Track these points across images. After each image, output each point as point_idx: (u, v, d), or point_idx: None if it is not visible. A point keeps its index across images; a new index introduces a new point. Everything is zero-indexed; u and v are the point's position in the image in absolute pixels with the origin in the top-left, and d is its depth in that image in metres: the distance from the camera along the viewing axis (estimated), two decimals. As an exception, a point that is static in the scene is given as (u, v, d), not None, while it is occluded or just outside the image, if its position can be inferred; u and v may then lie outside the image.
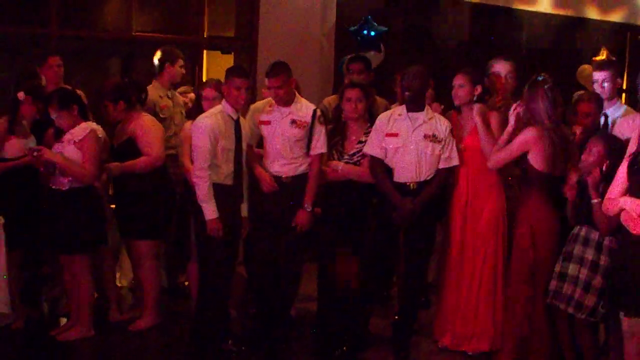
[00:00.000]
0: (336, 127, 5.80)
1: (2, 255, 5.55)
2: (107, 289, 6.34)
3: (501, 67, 5.88)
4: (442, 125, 5.55)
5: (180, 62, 6.88)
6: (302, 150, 5.58)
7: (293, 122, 5.54)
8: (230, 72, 5.49)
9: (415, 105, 5.56)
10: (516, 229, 5.36)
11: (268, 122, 5.63)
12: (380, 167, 5.55)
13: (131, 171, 5.86)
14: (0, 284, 5.55)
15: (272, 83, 5.49)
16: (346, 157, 5.68)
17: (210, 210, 5.26)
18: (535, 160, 5.17)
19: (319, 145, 5.57)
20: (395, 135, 5.53)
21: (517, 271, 5.30)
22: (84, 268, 5.72)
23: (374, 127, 5.64)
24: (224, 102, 5.46)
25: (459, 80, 5.66)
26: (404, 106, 5.64)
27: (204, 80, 7.86)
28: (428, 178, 5.52)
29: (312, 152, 5.57)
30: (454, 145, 5.58)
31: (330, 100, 6.49)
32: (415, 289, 5.74)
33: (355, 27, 9.15)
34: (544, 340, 5.25)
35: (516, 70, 5.88)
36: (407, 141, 5.51)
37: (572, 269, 4.96)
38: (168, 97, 6.82)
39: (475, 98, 5.66)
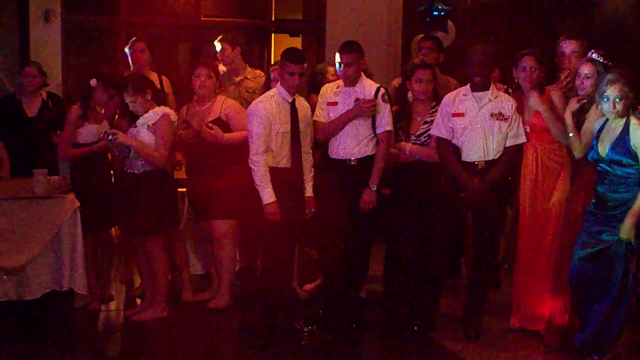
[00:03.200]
0: (402, 108, 5.78)
1: (79, 238, 5.69)
2: (179, 270, 6.47)
3: (567, 46, 5.72)
4: (507, 103, 5.50)
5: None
6: (368, 130, 5.56)
7: (357, 100, 5.52)
8: (283, 56, 5.46)
9: (480, 84, 5.51)
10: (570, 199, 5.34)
11: (335, 103, 5.64)
12: (448, 148, 5.52)
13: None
14: (78, 266, 5.70)
15: (344, 59, 5.50)
16: (413, 138, 5.67)
17: (267, 195, 5.27)
18: None
19: (384, 122, 5.54)
20: (461, 115, 5.49)
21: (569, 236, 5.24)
22: (159, 249, 5.82)
23: (439, 108, 5.61)
24: (278, 85, 5.47)
25: (530, 63, 5.52)
26: (468, 86, 5.58)
27: (272, 63, 7.86)
28: (496, 156, 5.46)
29: (378, 130, 5.55)
30: (521, 122, 5.51)
31: (398, 82, 6.44)
32: (484, 269, 5.65)
33: (423, 7, 9.08)
34: None
35: (583, 49, 5.66)
36: (473, 120, 5.47)
37: None
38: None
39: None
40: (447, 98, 5.61)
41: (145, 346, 5.59)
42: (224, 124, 5.92)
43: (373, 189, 5.52)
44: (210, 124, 5.85)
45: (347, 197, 5.57)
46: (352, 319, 5.70)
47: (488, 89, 5.52)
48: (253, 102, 5.52)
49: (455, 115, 5.51)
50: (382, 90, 5.59)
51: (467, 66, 5.57)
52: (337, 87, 5.71)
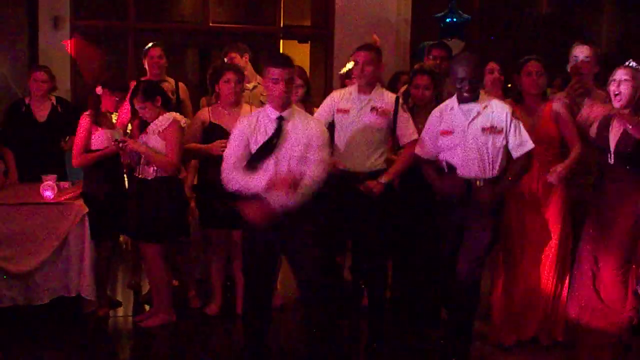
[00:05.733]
0: None
1: (87, 244, 5.69)
2: (186, 277, 6.47)
3: (579, 51, 5.67)
4: (500, 113, 5.00)
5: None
6: (381, 142, 5.30)
7: (373, 109, 5.26)
8: (265, 62, 4.83)
9: (467, 95, 5.01)
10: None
11: (346, 111, 5.29)
12: (432, 172, 5.20)
13: None
14: (85, 271, 5.70)
15: (363, 57, 5.23)
16: None
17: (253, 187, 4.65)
18: None
19: (409, 132, 5.30)
20: (450, 132, 5.05)
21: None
22: (156, 256, 5.79)
23: (426, 124, 5.23)
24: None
25: (535, 67, 5.43)
26: (454, 98, 5.10)
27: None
28: (497, 172, 5.02)
29: (404, 140, 5.31)
30: (522, 127, 5.03)
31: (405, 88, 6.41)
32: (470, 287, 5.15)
33: (441, 13, 9.08)
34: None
35: (596, 55, 5.63)
36: (464, 138, 5.01)
37: None
38: None
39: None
40: (434, 115, 5.19)
41: (152, 352, 5.60)
42: None
43: (381, 182, 5.21)
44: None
45: (354, 214, 5.29)
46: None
47: (477, 99, 5.05)
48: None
49: (443, 133, 5.09)
50: (401, 100, 5.39)
51: (453, 81, 5.13)
52: (350, 94, 5.37)
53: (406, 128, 5.32)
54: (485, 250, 5.12)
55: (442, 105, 5.21)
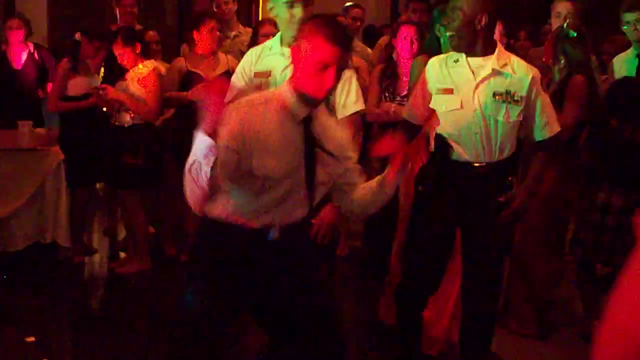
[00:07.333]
0: (386, 67, 5.29)
1: (63, 190, 5.71)
2: (162, 224, 6.51)
3: (562, 7, 5.44)
4: (522, 76, 3.72)
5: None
6: None
7: None
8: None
9: (477, 46, 3.74)
10: None
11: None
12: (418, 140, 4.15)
13: None
14: (61, 219, 5.72)
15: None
16: (398, 98, 5.15)
17: None
18: None
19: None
20: (450, 91, 3.78)
21: None
22: (136, 203, 5.83)
23: (420, 80, 4.02)
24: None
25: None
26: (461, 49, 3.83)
27: (260, 19, 7.81)
28: (505, 156, 3.78)
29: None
30: (548, 101, 3.84)
31: (385, 40, 6.38)
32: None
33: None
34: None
35: (578, 11, 5.35)
36: (467, 101, 3.73)
37: None
38: None
39: None
40: (431, 65, 3.89)
41: (127, 298, 5.62)
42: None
43: None
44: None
45: None
46: None
47: (492, 53, 3.75)
48: None
49: (442, 91, 3.81)
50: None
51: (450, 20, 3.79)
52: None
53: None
54: (500, 281, 4.05)
55: (442, 56, 3.96)
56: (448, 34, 3.81)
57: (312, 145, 2.83)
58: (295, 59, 2.77)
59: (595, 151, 4.66)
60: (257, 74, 3.90)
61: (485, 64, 3.72)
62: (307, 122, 2.82)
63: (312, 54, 2.70)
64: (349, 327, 4.78)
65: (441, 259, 3.95)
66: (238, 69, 4.07)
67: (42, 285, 5.64)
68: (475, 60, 3.74)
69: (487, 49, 3.73)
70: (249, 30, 6.73)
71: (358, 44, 6.52)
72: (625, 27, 5.15)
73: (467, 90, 3.72)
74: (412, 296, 4.04)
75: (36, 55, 6.71)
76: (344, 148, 2.97)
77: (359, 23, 6.73)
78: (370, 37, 6.60)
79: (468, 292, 3.92)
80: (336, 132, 2.97)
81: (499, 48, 3.78)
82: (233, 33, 6.61)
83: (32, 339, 4.67)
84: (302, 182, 2.86)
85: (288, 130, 2.78)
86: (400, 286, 4.14)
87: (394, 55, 5.30)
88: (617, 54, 5.45)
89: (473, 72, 3.73)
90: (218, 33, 5.87)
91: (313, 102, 2.78)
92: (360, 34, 6.74)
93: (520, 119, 3.73)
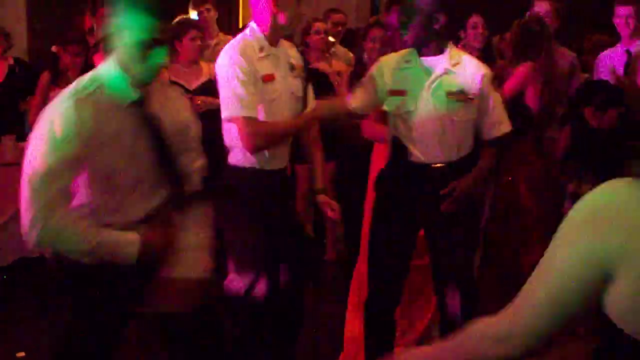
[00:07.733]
0: (355, 69, 5.24)
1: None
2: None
3: (540, 7, 5.50)
4: (474, 74, 3.73)
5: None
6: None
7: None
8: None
9: (430, 45, 3.74)
10: None
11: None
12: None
13: None
14: None
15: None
16: None
17: None
18: None
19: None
20: (402, 93, 3.74)
21: None
22: None
23: (366, 77, 3.95)
24: None
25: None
26: (413, 49, 3.80)
27: (240, 26, 7.81)
28: (462, 155, 3.79)
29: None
30: (500, 99, 3.87)
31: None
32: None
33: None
34: None
35: (557, 10, 5.44)
36: (421, 102, 3.70)
37: None
38: None
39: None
40: (385, 65, 3.86)
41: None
42: (214, 86, 5.87)
43: None
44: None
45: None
46: None
47: (444, 52, 3.76)
48: None
49: (392, 93, 3.77)
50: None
51: (402, 20, 3.78)
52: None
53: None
54: (472, 277, 3.97)
55: (395, 55, 3.93)
56: (403, 32, 3.76)
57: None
58: None
59: (569, 142, 4.81)
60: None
61: (437, 64, 3.72)
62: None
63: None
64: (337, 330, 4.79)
65: (403, 262, 3.92)
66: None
67: (31, 299, 5.61)
68: (427, 60, 3.74)
69: (441, 48, 3.74)
70: (230, 38, 6.72)
71: (340, 48, 6.56)
72: (617, 21, 5.19)
73: (420, 91, 3.71)
74: (380, 302, 3.99)
75: (17, 68, 6.69)
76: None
77: (340, 28, 6.75)
78: (351, 42, 6.62)
79: (440, 292, 3.90)
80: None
81: (451, 47, 3.78)
82: (214, 41, 6.58)
83: (22, 354, 4.68)
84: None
85: None
86: (368, 295, 4.05)
87: (364, 57, 5.25)
88: (596, 52, 5.49)
89: (425, 72, 3.72)
90: (199, 42, 5.85)
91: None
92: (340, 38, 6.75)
93: (475, 116, 3.74)
